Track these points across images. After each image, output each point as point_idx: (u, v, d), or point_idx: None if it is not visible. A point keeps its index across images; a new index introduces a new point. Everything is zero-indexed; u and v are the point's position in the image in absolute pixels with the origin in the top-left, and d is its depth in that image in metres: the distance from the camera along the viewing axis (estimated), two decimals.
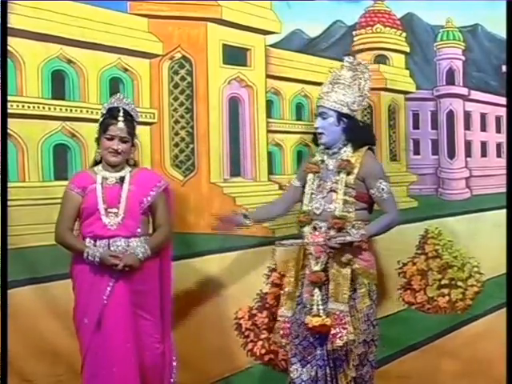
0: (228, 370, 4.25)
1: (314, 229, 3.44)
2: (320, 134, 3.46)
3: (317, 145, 3.57)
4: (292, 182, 3.71)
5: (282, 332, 3.51)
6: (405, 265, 4.58)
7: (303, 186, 3.57)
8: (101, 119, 3.38)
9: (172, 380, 3.54)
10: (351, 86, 3.45)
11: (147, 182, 3.41)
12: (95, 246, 3.27)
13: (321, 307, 3.38)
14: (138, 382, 3.30)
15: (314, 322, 3.34)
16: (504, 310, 4.24)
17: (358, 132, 3.48)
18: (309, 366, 3.46)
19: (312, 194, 3.48)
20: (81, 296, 3.33)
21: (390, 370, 4.30)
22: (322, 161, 3.51)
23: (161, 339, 3.46)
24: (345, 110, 3.43)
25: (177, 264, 3.74)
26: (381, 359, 4.27)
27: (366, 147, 3.48)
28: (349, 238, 3.31)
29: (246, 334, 4.27)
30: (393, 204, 3.47)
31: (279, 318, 3.55)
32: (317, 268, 3.40)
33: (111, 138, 3.30)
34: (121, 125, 3.29)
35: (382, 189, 3.40)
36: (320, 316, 3.36)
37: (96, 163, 3.42)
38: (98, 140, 3.37)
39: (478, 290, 4.58)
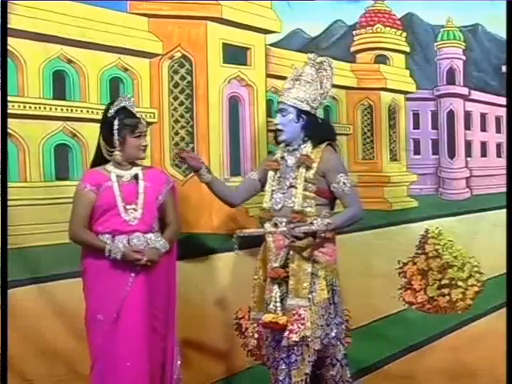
0: (228, 370, 4.25)
1: (275, 225, 3.40)
2: (280, 130, 3.43)
3: (277, 143, 3.54)
4: (250, 175, 3.69)
5: (256, 336, 3.49)
6: (405, 264, 4.59)
7: (260, 180, 3.57)
8: (123, 120, 3.28)
9: (175, 376, 3.53)
10: (312, 83, 3.41)
11: (159, 179, 3.45)
12: (113, 242, 3.27)
13: (278, 304, 3.33)
14: (147, 378, 3.29)
15: (266, 318, 3.29)
16: (504, 309, 4.24)
17: (317, 128, 3.44)
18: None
19: (272, 190, 3.45)
20: (95, 293, 3.29)
21: (390, 369, 4.31)
22: (282, 157, 3.49)
23: (164, 336, 3.45)
24: (304, 107, 3.39)
25: (176, 264, 3.73)
26: (381, 359, 4.30)
27: (326, 143, 3.44)
28: (314, 228, 3.23)
29: (246, 333, 4.26)
30: (355, 198, 3.41)
31: (252, 322, 3.52)
32: (276, 264, 3.37)
33: (139, 136, 3.33)
34: (144, 121, 3.36)
35: (344, 183, 3.35)
36: (275, 313, 3.31)
37: (96, 163, 3.40)
38: (121, 140, 3.29)
39: (478, 289, 4.59)
